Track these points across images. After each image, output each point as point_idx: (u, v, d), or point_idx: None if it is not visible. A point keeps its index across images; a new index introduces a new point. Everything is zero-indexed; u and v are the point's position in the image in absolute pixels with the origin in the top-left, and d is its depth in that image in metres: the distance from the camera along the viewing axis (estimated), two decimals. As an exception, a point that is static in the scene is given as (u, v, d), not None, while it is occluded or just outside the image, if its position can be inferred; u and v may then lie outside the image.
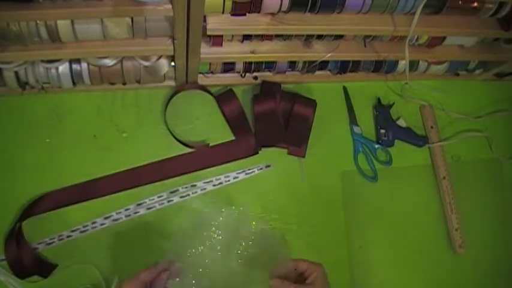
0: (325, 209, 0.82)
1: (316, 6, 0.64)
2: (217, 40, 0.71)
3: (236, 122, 0.82)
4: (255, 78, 0.85)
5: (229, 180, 0.80)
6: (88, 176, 0.76)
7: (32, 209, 0.72)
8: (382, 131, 0.88)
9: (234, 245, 0.66)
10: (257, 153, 0.82)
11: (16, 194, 0.73)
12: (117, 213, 0.75)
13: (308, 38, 0.76)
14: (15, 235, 0.70)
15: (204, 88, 0.83)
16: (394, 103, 0.91)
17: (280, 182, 0.82)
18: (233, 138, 0.83)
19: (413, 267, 0.83)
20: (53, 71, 0.72)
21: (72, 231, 0.73)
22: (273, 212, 0.80)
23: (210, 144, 0.81)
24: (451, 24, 0.73)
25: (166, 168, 0.78)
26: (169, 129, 0.80)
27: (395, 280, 0.82)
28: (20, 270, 0.69)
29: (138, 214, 0.75)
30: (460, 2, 0.70)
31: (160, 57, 0.74)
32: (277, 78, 0.85)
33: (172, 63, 0.75)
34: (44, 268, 0.70)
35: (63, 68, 0.72)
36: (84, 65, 0.72)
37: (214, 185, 0.79)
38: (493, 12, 0.72)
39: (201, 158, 0.80)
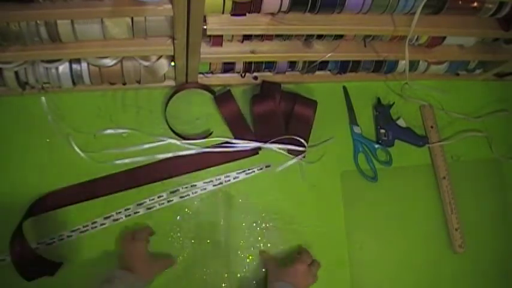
0: (325, 209, 0.82)
1: (316, 6, 0.64)
2: (217, 40, 0.71)
3: (234, 123, 0.82)
4: (255, 78, 0.85)
5: (229, 180, 0.80)
6: (88, 176, 0.76)
7: (33, 209, 0.72)
8: (382, 131, 0.88)
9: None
10: (257, 153, 0.82)
11: (16, 194, 0.73)
12: (117, 213, 0.75)
13: (308, 38, 0.76)
14: (15, 235, 0.70)
15: (204, 87, 0.82)
16: (394, 103, 0.91)
17: (280, 182, 0.82)
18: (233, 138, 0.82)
19: (413, 267, 0.83)
20: (53, 71, 0.72)
21: (72, 231, 0.73)
22: (273, 212, 0.80)
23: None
24: (451, 24, 0.73)
25: (166, 168, 0.78)
26: (169, 129, 0.80)
27: (396, 280, 0.82)
28: (25, 271, 0.69)
29: (138, 214, 0.75)
30: (460, 2, 0.70)
31: (160, 57, 0.74)
32: (277, 78, 0.85)
33: (172, 63, 0.75)
34: (49, 267, 0.70)
35: (63, 68, 0.72)
36: (84, 65, 0.72)
37: (214, 185, 0.79)
38: (493, 12, 0.71)
39: (201, 158, 0.80)
